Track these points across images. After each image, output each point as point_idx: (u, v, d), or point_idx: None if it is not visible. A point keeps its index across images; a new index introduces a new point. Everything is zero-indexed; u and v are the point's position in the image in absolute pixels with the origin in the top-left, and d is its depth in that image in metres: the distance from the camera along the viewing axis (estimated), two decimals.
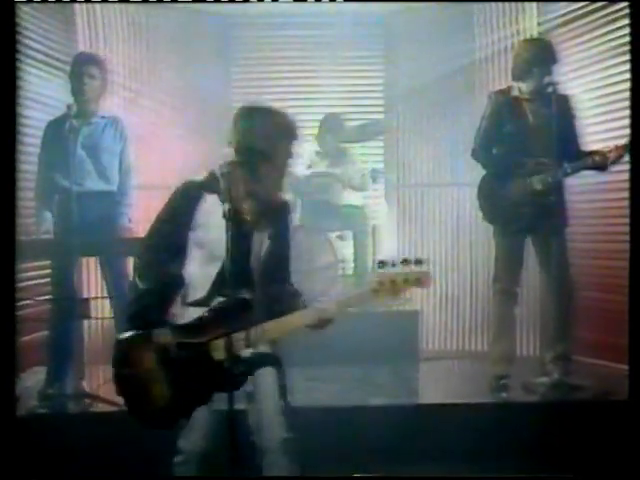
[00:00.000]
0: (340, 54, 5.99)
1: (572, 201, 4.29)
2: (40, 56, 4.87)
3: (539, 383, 4.16)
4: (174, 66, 5.83)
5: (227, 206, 2.36)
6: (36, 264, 4.24)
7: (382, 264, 2.38)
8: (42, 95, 4.73)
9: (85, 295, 4.40)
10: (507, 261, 4.19)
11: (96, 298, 4.22)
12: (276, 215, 2.62)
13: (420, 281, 2.36)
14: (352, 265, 5.68)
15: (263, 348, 2.56)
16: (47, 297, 4.08)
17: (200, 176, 2.60)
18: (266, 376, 2.57)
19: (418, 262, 2.35)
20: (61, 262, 3.96)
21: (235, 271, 2.32)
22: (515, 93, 4.18)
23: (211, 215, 2.51)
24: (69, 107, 3.96)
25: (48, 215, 4.06)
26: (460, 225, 5.76)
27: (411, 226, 6.00)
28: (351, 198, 5.70)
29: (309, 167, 5.66)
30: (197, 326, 2.49)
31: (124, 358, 2.49)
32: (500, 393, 4.14)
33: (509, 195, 4.11)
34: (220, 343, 2.41)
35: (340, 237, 5.65)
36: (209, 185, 2.56)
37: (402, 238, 5.99)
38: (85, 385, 4.13)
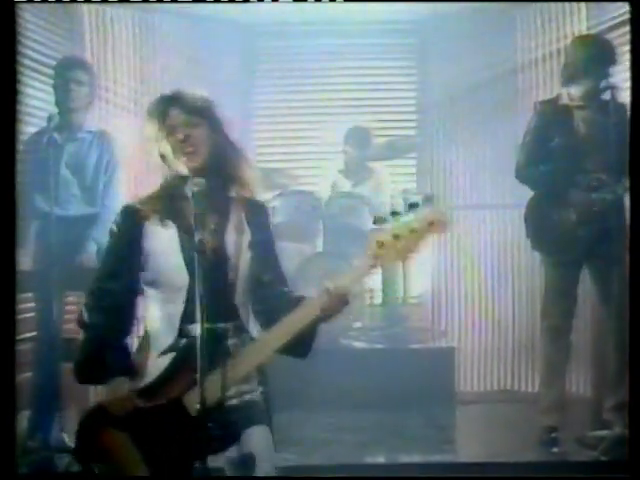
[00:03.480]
0: (368, 64, 5.75)
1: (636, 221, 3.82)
2: (44, 69, 4.53)
3: (597, 437, 3.73)
4: (192, 78, 5.49)
5: (198, 235, 2.03)
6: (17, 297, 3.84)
7: (383, 218, 2.03)
8: (42, 110, 4.35)
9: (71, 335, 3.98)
10: (558, 294, 3.83)
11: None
12: (254, 218, 2.27)
13: (439, 223, 2.02)
14: (380, 295, 5.35)
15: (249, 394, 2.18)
16: (27, 336, 3.72)
17: (143, 198, 2.27)
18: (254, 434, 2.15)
19: (427, 200, 2.00)
20: (41, 297, 3.63)
21: (211, 298, 2.01)
22: (564, 101, 3.81)
23: (159, 241, 2.19)
24: (50, 119, 3.58)
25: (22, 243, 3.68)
26: (502, 251, 5.47)
27: (446, 252, 5.68)
28: None
29: (332, 187, 5.36)
30: (164, 380, 2.11)
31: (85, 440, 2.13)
32: (551, 448, 3.74)
33: (561, 218, 3.75)
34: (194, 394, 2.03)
35: None
36: (156, 207, 2.23)
37: (436, 266, 5.67)
38: (67, 438, 3.69)
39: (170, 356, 2.12)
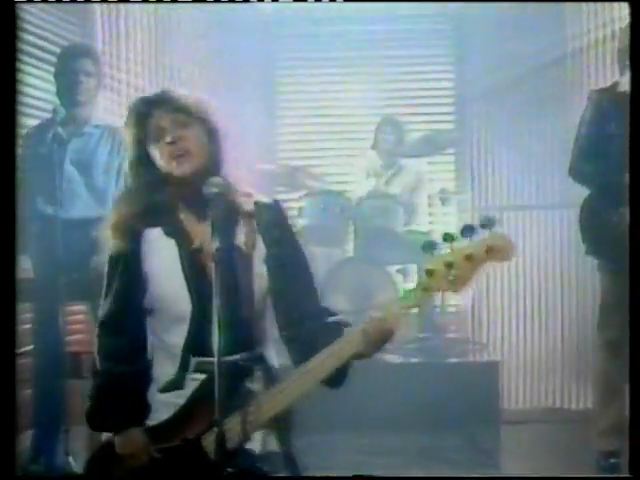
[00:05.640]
0: (401, 53, 5.63)
1: None
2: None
3: None
4: (209, 68, 5.47)
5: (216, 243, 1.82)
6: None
7: (434, 243, 1.79)
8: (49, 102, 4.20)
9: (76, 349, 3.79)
10: (618, 305, 3.52)
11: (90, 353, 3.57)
12: (270, 223, 1.99)
13: (499, 250, 1.76)
14: None
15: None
16: (27, 349, 3.51)
17: (134, 211, 1.98)
18: None
19: (487, 223, 1.75)
20: (43, 307, 3.41)
21: (226, 323, 1.79)
22: (622, 89, 3.54)
23: (157, 262, 1.94)
24: (55, 111, 3.34)
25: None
26: (549, 256, 5.29)
27: None
28: (415, 224, 5.08)
29: (364, 186, 5.13)
30: (180, 420, 1.91)
31: None
32: (610, 474, 3.51)
33: (621, 221, 3.47)
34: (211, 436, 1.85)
35: (401, 271, 5.07)
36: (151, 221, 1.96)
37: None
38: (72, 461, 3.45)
39: (180, 393, 1.93)
